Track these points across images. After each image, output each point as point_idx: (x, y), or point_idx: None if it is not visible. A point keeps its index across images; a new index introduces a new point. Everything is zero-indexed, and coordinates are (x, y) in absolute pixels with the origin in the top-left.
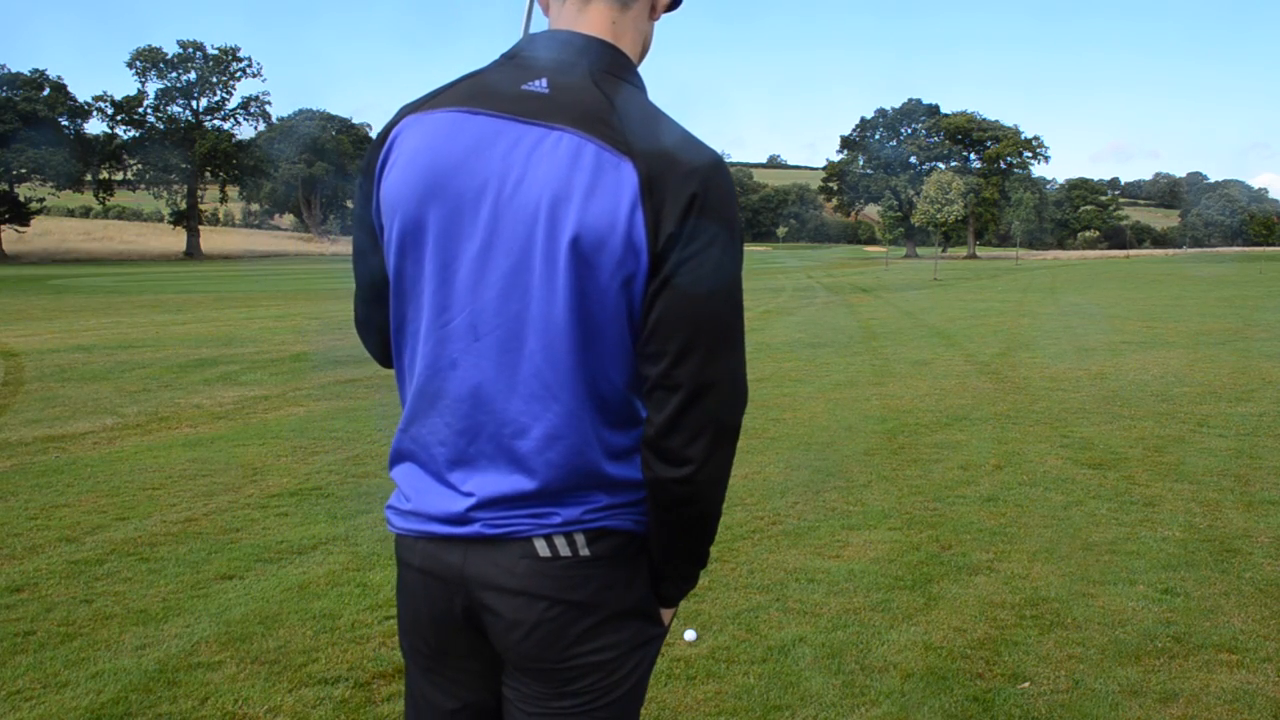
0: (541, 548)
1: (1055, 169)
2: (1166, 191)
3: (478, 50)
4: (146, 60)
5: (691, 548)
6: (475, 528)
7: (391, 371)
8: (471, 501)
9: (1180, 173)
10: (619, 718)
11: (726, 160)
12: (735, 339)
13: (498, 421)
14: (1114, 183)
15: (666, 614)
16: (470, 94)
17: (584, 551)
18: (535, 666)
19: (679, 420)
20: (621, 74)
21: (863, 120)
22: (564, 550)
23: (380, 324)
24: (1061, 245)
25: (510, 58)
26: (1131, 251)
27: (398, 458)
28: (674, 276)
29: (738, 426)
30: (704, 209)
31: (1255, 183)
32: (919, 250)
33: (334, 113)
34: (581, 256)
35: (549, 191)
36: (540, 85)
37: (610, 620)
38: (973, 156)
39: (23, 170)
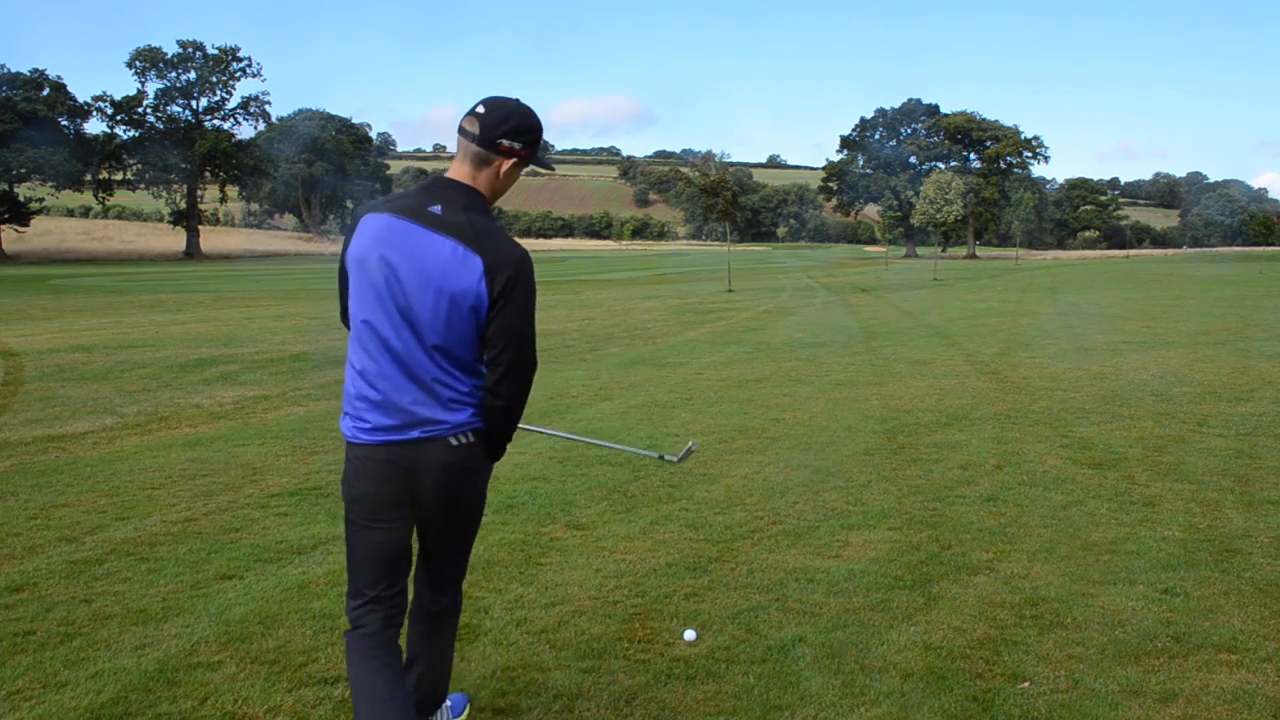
0: (453, 441)
1: (1062, 168)
2: (1166, 191)
3: (477, 50)
4: (146, 60)
5: (503, 435)
6: (415, 433)
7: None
8: (409, 418)
9: (1184, 172)
10: (475, 522)
11: (727, 160)
12: (529, 343)
13: (418, 370)
14: (1114, 183)
15: (495, 463)
16: (402, 207)
17: (469, 440)
18: (447, 505)
19: (501, 380)
20: (478, 207)
21: (863, 120)
22: (463, 441)
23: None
24: (1061, 245)
25: (425, 188)
26: (1131, 251)
27: (356, 398)
28: (499, 315)
29: (529, 382)
30: (515, 283)
31: (1257, 182)
32: (919, 250)
33: (334, 112)
34: (454, 301)
35: (439, 268)
36: (437, 209)
37: (481, 472)
38: (972, 156)
39: (23, 170)
